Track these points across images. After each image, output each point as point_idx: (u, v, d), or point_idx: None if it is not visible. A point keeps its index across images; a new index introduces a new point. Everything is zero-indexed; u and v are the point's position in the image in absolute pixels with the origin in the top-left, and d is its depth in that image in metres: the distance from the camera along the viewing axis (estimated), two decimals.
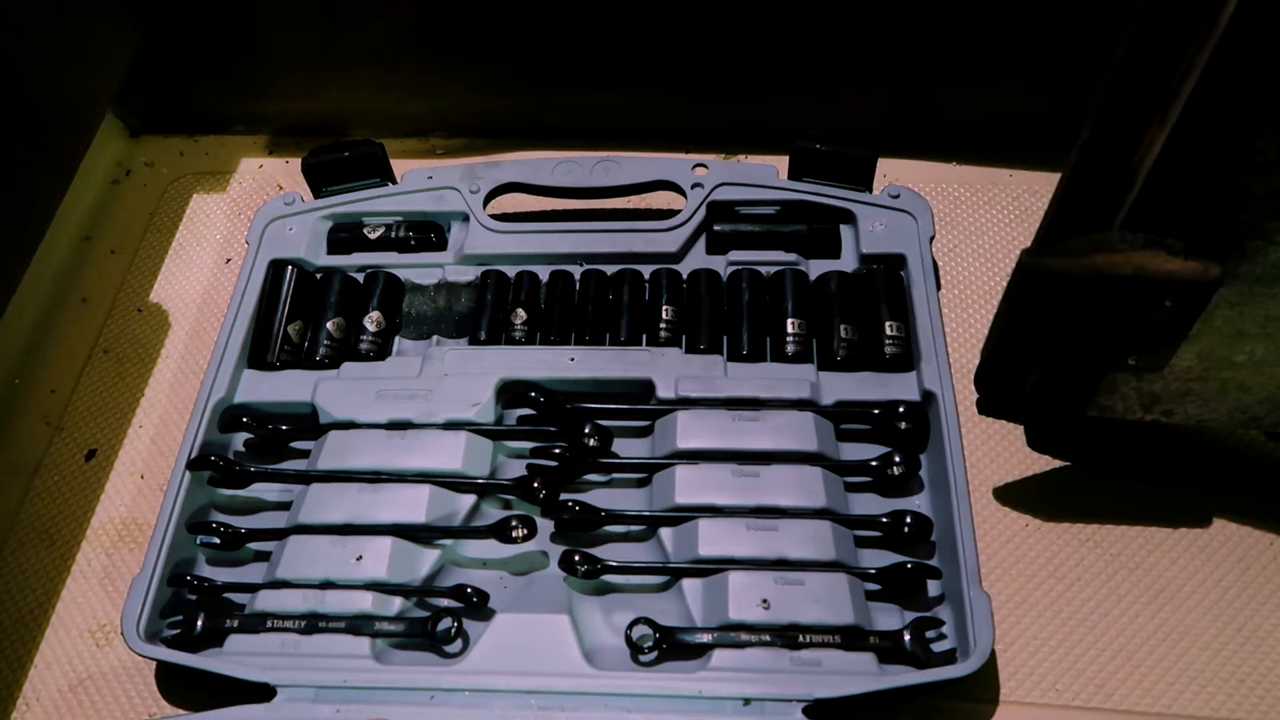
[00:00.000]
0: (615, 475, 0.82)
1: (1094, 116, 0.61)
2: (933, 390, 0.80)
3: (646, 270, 0.91)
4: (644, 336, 0.88)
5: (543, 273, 0.93)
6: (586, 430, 0.81)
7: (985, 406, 0.86)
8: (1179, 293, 0.62)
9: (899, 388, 0.82)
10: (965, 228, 0.99)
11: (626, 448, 0.83)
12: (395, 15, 1.02)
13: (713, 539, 0.75)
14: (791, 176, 0.94)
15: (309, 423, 0.85)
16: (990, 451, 0.85)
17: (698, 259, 0.92)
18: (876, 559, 0.76)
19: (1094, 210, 0.63)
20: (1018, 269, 0.64)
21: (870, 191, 0.92)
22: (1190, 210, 0.60)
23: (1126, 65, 0.57)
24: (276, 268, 0.93)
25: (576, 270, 0.92)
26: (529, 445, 0.83)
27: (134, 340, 1.01)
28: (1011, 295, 0.66)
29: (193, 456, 0.82)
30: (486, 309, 0.90)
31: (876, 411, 0.80)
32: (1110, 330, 0.66)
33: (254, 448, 0.88)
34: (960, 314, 0.93)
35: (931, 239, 0.88)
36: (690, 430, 0.80)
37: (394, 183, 0.99)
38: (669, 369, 0.83)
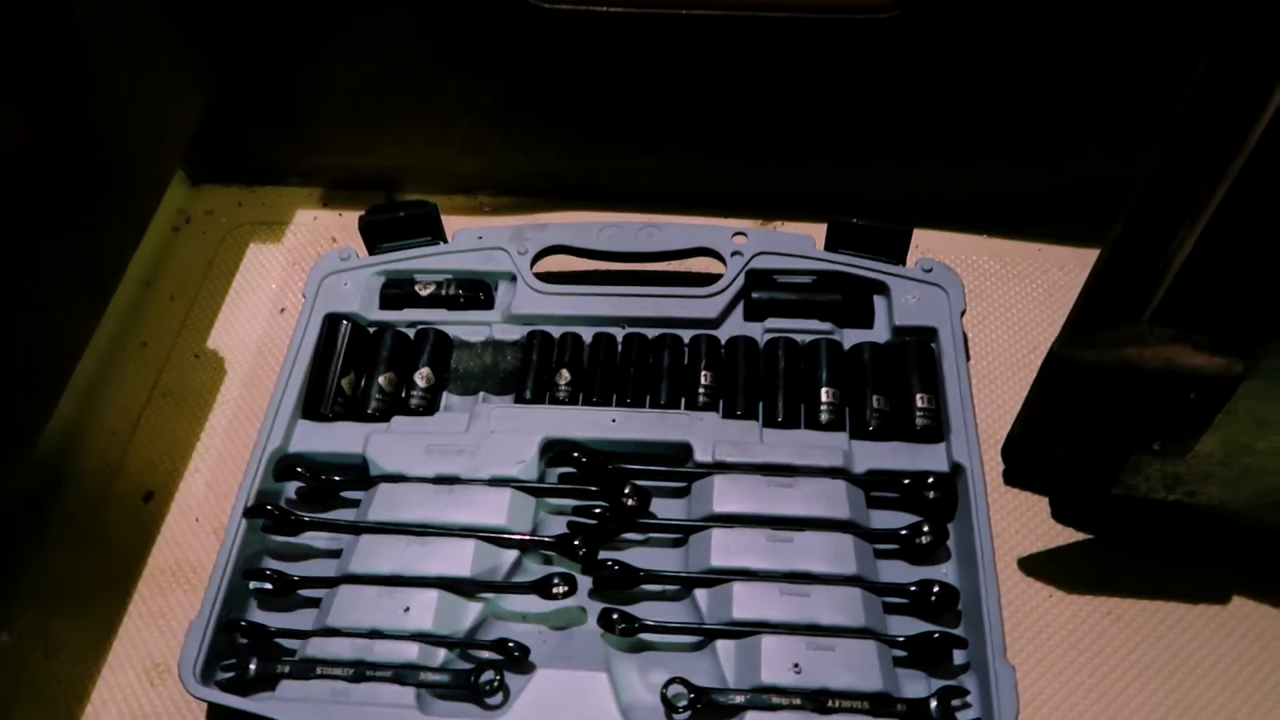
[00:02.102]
0: (653, 535, 0.86)
1: (1127, 216, 0.64)
2: (961, 463, 0.82)
3: (686, 334, 0.95)
4: (683, 400, 0.91)
5: (586, 334, 0.96)
6: (626, 491, 0.84)
7: (1012, 477, 0.89)
8: (1204, 386, 0.65)
9: (928, 458, 0.85)
10: (995, 300, 1.02)
11: (664, 508, 0.86)
12: (451, 78, 1.07)
13: (747, 602, 0.77)
14: (828, 247, 0.97)
15: (360, 474, 0.89)
16: (1016, 522, 0.88)
17: (736, 325, 0.96)
18: (904, 626, 0.79)
19: (1124, 303, 0.66)
20: (1049, 358, 0.67)
21: (904, 264, 0.96)
22: (1217, 308, 0.63)
23: (1161, 171, 0.60)
24: (331, 321, 0.97)
25: (619, 332, 0.96)
26: (570, 503, 0.86)
27: (191, 385, 1.05)
28: (1042, 382, 0.69)
29: (249, 505, 0.86)
30: (532, 368, 0.94)
31: (907, 482, 0.83)
32: (1137, 417, 0.68)
33: (306, 496, 0.91)
34: (989, 385, 0.96)
35: (962, 313, 0.91)
36: (726, 495, 0.83)
37: (445, 241, 1.04)
38: (707, 433, 0.87)
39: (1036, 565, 0.85)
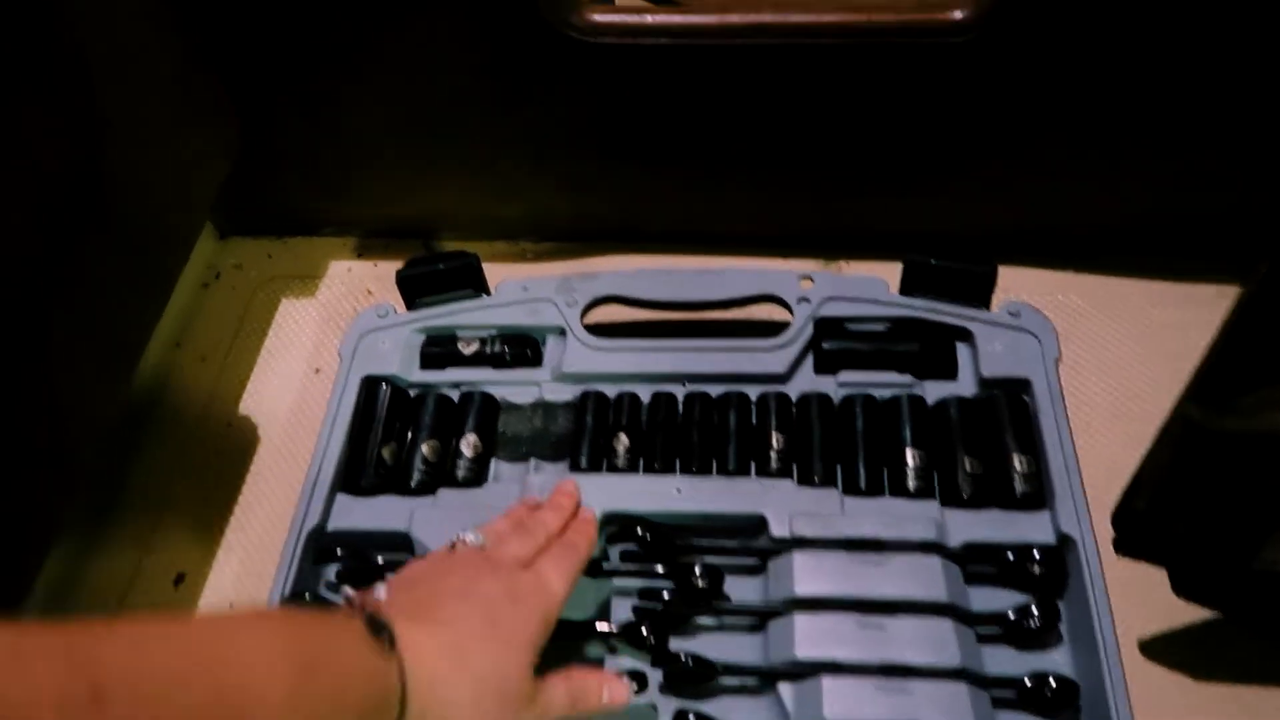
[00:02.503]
0: (727, 619, 0.78)
1: (1268, 269, 0.56)
2: (1070, 534, 0.74)
3: (752, 391, 0.87)
4: (753, 465, 0.84)
5: (643, 392, 0.89)
6: (697, 570, 0.76)
7: (1124, 546, 0.79)
8: None
9: (1030, 528, 0.76)
10: (1085, 342, 0.94)
11: (738, 588, 0.78)
12: (488, 119, 1.00)
13: (839, 701, 0.69)
14: (903, 291, 0.89)
15: (403, 550, 0.82)
16: (1132, 598, 0.78)
17: (806, 379, 0.88)
18: None
19: (1266, 363, 0.58)
20: (1184, 425, 0.59)
21: (988, 308, 0.88)
22: None
23: None
24: (370, 385, 0.90)
25: (679, 390, 0.89)
26: (634, 583, 0.79)
27: (223, 455, 0.99)
28: (1174, 450, 0.61)
29: (286, 593, 0.79)
30: (586, 432, 0.86)
31: (1010, 556, 0.75)
32: None
33: (347, 576, 0.84)
34: (1087, 438, 0.88)
35: (1057, 360, 0.83)
36: (808, 575, 0.75)
37: (488, 294, 0.97)
38: (782, 503, 0.79)
39: (1159, 649, 0.76)
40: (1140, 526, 0.76)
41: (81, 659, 0.38)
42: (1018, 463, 0.78)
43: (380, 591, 0.59)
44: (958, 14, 0.79)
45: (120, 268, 0.85)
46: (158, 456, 0.99)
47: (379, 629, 0.53)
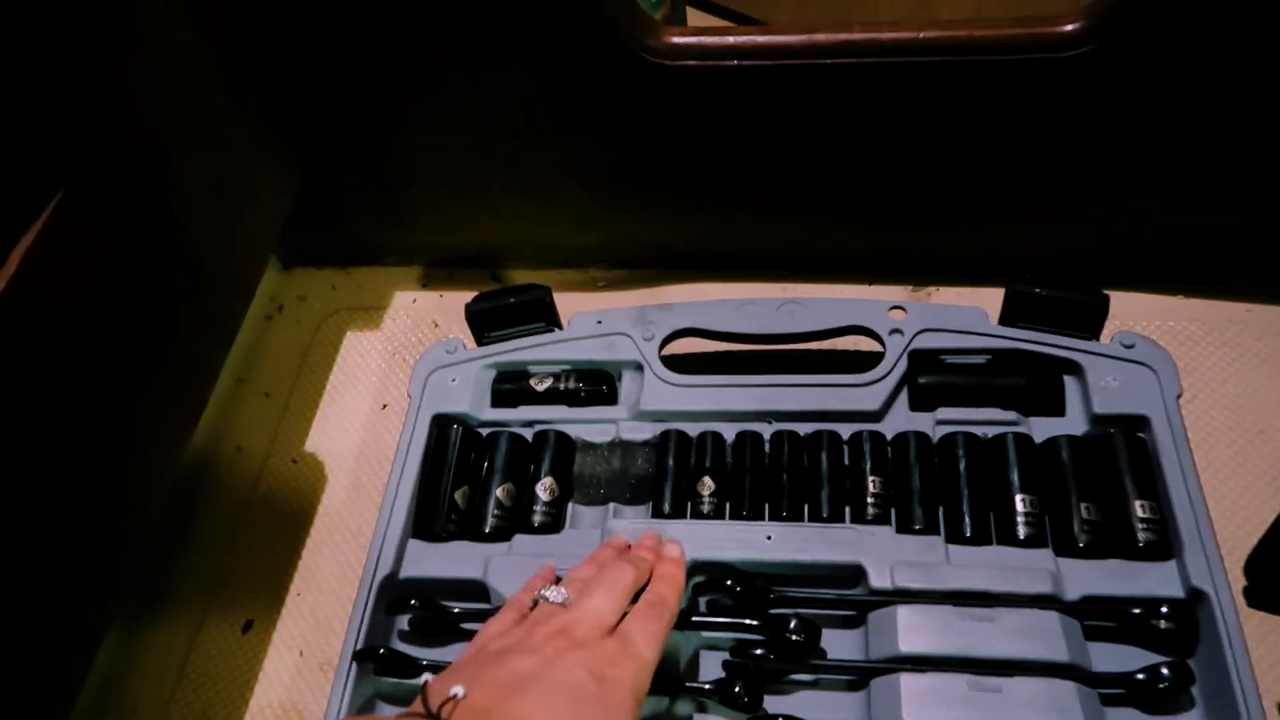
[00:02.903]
0: (824, 676, 0.73)
1: None
2: (1203, 588, 0.68)
3: (844, 429, 0.82)
4: (847, 509, 0.79)
5: (726, 430, 0.84)
6: (791, 625, 0.71)
7: (1259, 598, 0.73)
8: None
9: (1156, 580, 0.70)
10: (1204, 374, 0.87)
11: (835, 642, 0.74)
12: (556, 146, 0.97)
13: None
14: (1003, 321, 0.84)
15: (478, 598, 0.79)
16: (1269, 654, 0.72)
17: (901, 416, 0.83)
18: None
19: None
20: None
21: (1098, 339, 0.82)
22: None
23: None
24: (441, 426, 0.87)
25: (764, 429, 0.84)
26: (723, 636, 0.74)
27: (289, 494, 0.96)
28: None
29: (359, 647, 0.76)
30: (668, 475, 0.82)
31: (1136, 611, 0.69)
32: None
33: (419, 627, 0.81)
34: (1208, 479, 0.81)
35: (1178, 396, 0.77)
36: (914, 631, 0.69)
37: (560, 327, 0.93)
38: (881, 552, 0.74)
39: None
40: (1274, 578, 0.70)
41: None
42: (1139, 509, 0.72)
43: (457, 690, 0.54)
44: (1069, 26, 0.74)
45: (188, 305, 0.82)
46: (221, 497, 0.97)
47: None
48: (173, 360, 0.79)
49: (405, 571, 0.81)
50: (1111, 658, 0.70)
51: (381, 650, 0.75)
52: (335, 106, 0.96)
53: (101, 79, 0.70)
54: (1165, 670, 0.67)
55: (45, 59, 0.65)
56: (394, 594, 0.80)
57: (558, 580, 0.70)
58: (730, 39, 0.82)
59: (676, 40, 0.84)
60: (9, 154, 0.60)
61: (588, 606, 0.63)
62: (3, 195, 0.59)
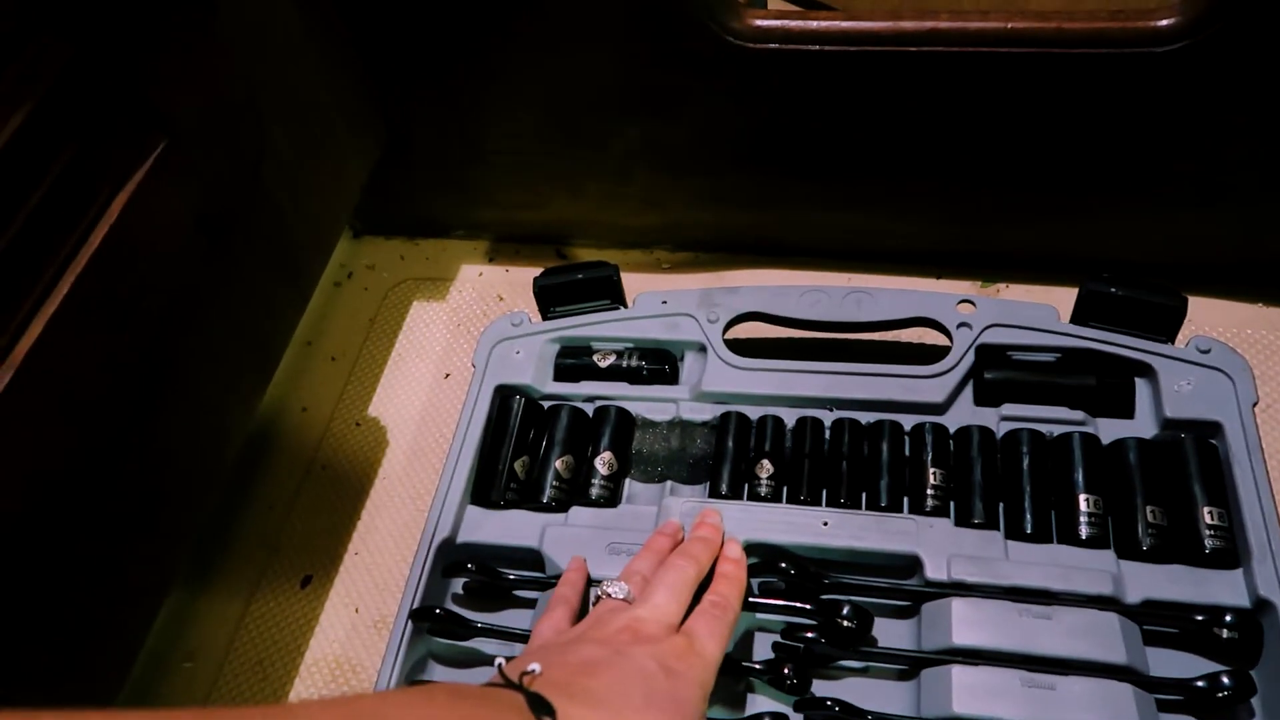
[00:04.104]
0: (874, 664, 0.72)
1: None
2: (1270, 598, 0.67)
3: (906, 420, 0.82)
4: (905, 501, 0.78)
5: (787, 416, 0.84)
6: (844, 611, 0.71)
7: None
8: None
9: (1221, 589, 0.69)
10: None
11: (887, 631, 0.73)
12: (631, 127, 0.97)
13: None
14: (1075, 320, 0.83)
15: (533, 567, 0.80)
16: None
17: (965, 409, 0.82)
18: None
19: None
20: None
21: (1173, 343, 0.80)
22: None
23: None
24: (504, 396, 0.88)
25: (825, 415, 0.84)
26: (775, 619, 0.74)
27: (351, 456, 0.98)
28: None
29: (415, 606, 0.77)
30: (727, 456, 0.82)
31: (1200, 619, 0.68)
32: None
33: (474, 591, 0.82)
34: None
35: (1254, 405, 0.75)
36: (968, 624, 0.69)
37: (625, 306, 0.94)
38: (938, 544, 0.73)
39: None
40: None
41: None
42: (1207, 515, 0.71)
43: (534, 666, 0.55)
44: (1164, 21, 0.73)
45: (269, 262, 0.84)
46: (285, 456, 0.99)
47: (541, 707, 0.50)
48: (252, 315, 0.81)
49: (462, 536, 0.82)
50: (1171, 664, 0.68)
51: (437, 610, 0.76)
52: (417, 80, 0.98)
53: (205, 36, 0.71)
54: (1226, 679, 0.65)
55: (154, 13, 0.67)
56: (450, 557, 0.81)
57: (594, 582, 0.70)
58: (814, 23, 0.82)
59: (759, 22, 0.84)
60: (116, 103, 0.62)
61: (653, 604, 0.63)
62: (107, 144, 0.61)
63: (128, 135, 0.63)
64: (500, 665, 0.56)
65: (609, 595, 0.65)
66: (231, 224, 0.75)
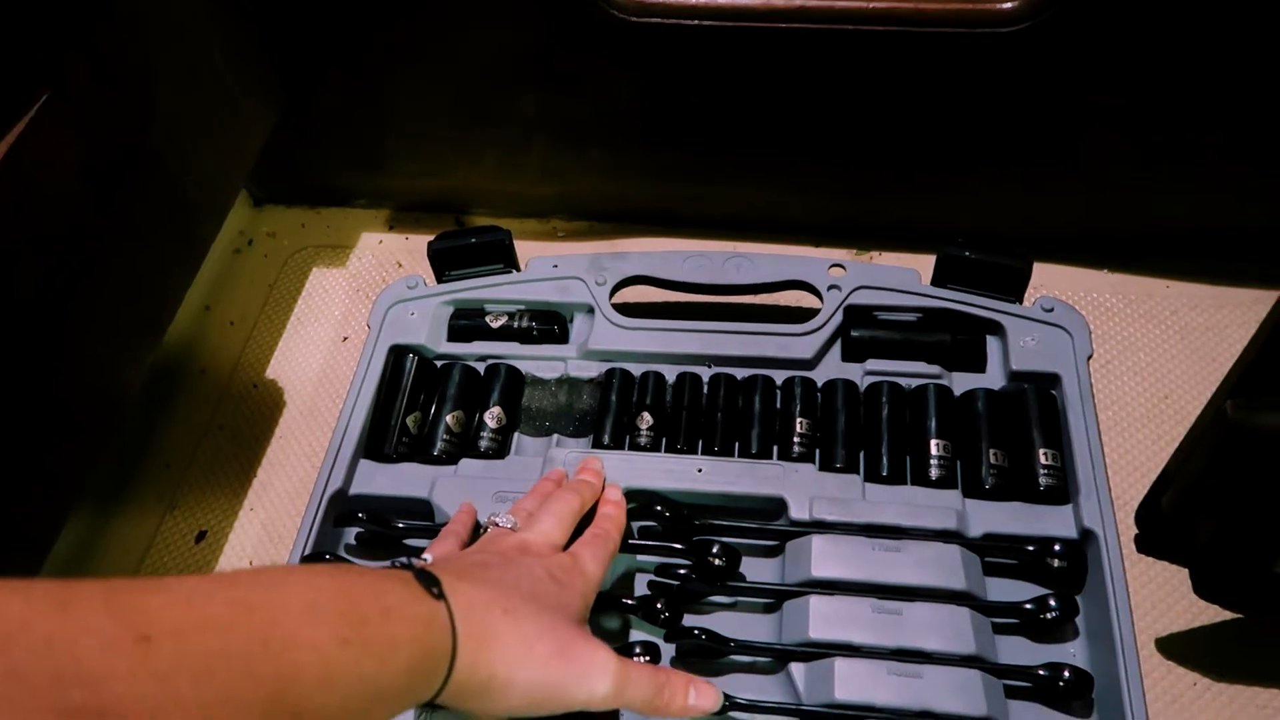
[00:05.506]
0: (742, 599, 0.78)
1: None
2: (1093, 529, 0.73)
3: (778, 376, 0.87)
4: (775, 449, 0.83)
5: (668, 372, 0.89)
6: (714, 550, 0.76)
7: (1147, 545, 0.79)
8: None
9: (1053, 522, 0.76)
10: (1119, 342, 0.93)
11: (755, 569, 0.78)
12: (528, 98, 1.00)
13: (850, 682, 0.69)
14: (935, 282, 0.89)
15: (424, 517, 0.83)
16: (1151, 595, 0.78)
17: (833, 366, 0.88)
18: (1027, 714, 0.70)
19: None
20: (1221, 422, 0.58)
21: (1021, 303, 0.87)
22: None
23: None
24: (397, 354, 0.91)
25: (704, 372, 0.89)
26: (650, 560, 0.79)
27: (249, 417, 1.00)
28: (1209, 449, 0.60)
29: (306, 552, 0.80)
30: (610, 410, 0.86)
31: (1031, 549, 0.74)
32: None
33: (367, 541, 0.85)
34: (1115, 437, 0.87)
35: (1089, 358, 0.82)
36: (826, 558, 0.75)
37: (518, 269, 0.97)
38: (803, 487, 0.79)
39: (1177, 647, 0.75)
40: (1164, 525, 0.76)
41: (128, 609, 0.37)
42: (1043, 456, 0.78)
43: (426, 556, 0.58)
44: (1007, 4, 0.79)
45: (160, 221, 0.86)
46: (183, 416, 1.00)
47: (429, 580, 0.53)
48: (143, 272, 0.82)
49: (355, 488, 0.85)
50: (1011, 591, 0.75)
51: (327, 555, 0.79)
52: (317, 47, 0.99)
53: None
54: (1053, 602, 0.72)
55: None
56: (343, 509, 0.84)
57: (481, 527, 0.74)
58: None
59: None
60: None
61: (540, 529, 0.68)
62: None
63: (8, 83, 0.64)
64: (393, 561, 0.59)
65: (497, 524, 0.69)
66: (120, 179, 0.77)
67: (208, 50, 0.91)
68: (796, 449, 0.82)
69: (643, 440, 0.85)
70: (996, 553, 0.76)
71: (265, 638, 0.41)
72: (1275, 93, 0.81)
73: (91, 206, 0.74)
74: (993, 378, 0.86)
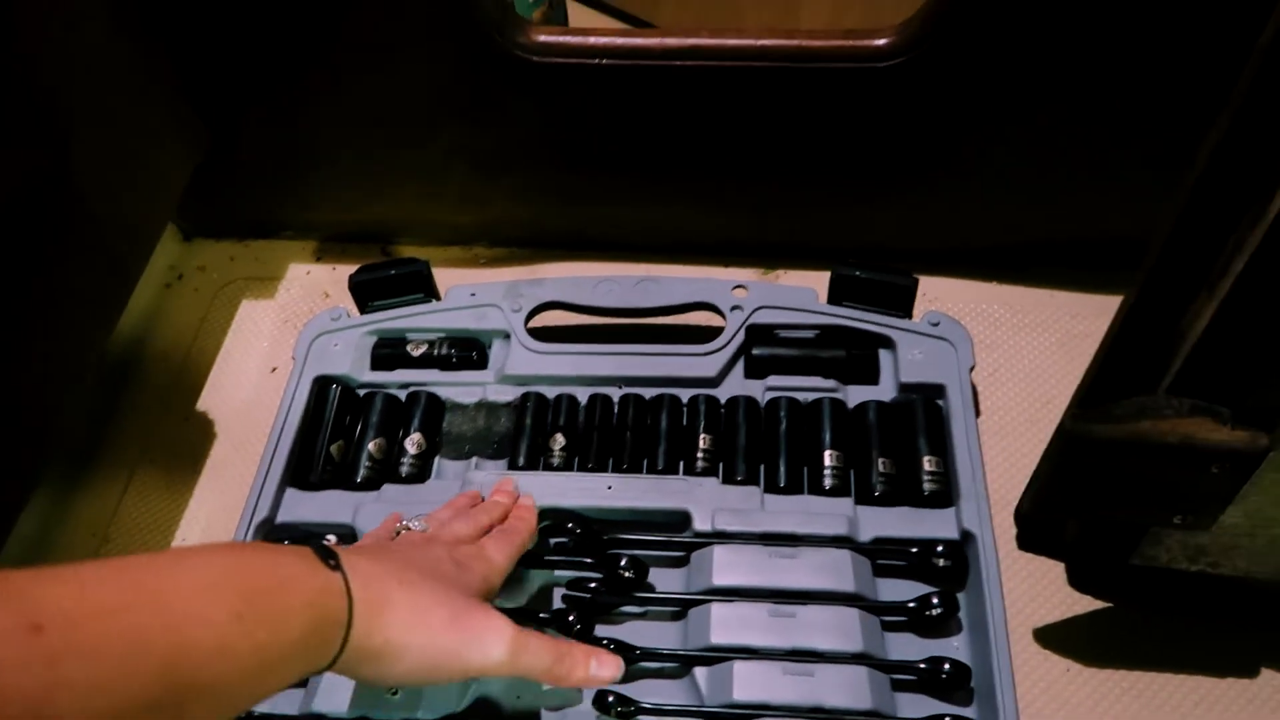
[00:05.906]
0: (651, 609, 0.82)
1: (1141, 284, 0.60)
2: (972, 530, 0.79)
3: (685, 394, 0.92)
4: (681, 464, 0.88)
5: (582, 394, 0.93)
6: (622, 563, 0.81)
7: (1026, 542, 0.85)
8: (1226, 460, 0.61)
9: (937, 525, 0.81)
10: (1006, 351, 0.99)
11: (663, 579, 0.83)
12: (446, 131, 1.04)
13: (748, 683, 0.74)
14: (831, 300, 0.94)
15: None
16: (1030, 589, 0.84)
17: (736, 383, 0.93)
18: (914, 705, 0.75)
19: (1139, 374, 0.63)
20: (1061, 432, 0.63)
21: (910, 317, 0.92)
22: (1239, 380, 0.59)
23: (1176, 240, 0.57)
24: (321, 385, 0.95)
25: (615, 393, 0.93)
26: (563, 574, 0.83)
27: (180, 450, 1.03)
28: (1054, 457, 0.65)
29: None
30: (525, 432, 0.91)
31: (915, 550, 0.80)
32: (1156, 491, 0.65)
33: None
34: (1000, 441, 0.93)
35: (971, 369, 0.88)
36: (727, 567, 0.79)
37: (438, 298, 1.01)
38: (706, 500, 0.83)
39: (1053, 636, 0.81)
40: (1034, 525, 0.82)
41: (19, 598, 0.38)
42: (927, 463, 0.83)
43: (330, 537, 0.61)
44: (880, 41, 0.84)
45: (84, 269, 0.88)
46: (116, 449, 1.03)
47: (327, 554, 0.55)
48: (66, 310, 0.85)
49: (282, 516, 0.88)
50: (901, 592, 0.80)
51: None
52: (237, 86, 1.03)
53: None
54: (935, 600, 0.78)
55: None
56: (270, 537, 0.87)
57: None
58: (592, 39, 0.91)
59: (544, 39, 0.92)
60: None
61: (449, 530, 0.72)
62: None
63: None
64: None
65: (409, 529, 0.72)
66: (36, 221, 0.80)
67: (126, 92, 0.93)
68: (700, 464, 0.87)
69: (555, 460, 0.89)
70: (885, 555, 0.81)
71: (159, 617, 0.42)
72: (1129, 114, 0.87)
73: (11, 250, 0.77)
74: (885, 390, 0.91)
